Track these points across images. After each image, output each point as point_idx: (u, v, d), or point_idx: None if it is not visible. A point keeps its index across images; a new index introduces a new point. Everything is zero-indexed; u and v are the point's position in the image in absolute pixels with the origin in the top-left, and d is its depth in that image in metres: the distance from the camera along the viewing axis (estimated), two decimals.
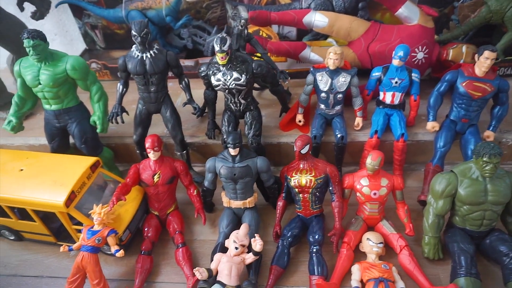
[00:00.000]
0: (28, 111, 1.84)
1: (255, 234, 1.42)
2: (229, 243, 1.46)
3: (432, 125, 1.73)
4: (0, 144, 2.07)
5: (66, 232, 1.61)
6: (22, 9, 2.21)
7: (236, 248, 1.43)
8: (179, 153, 1.86)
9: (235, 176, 1.55)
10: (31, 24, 2.24)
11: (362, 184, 1.55)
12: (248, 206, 1.62)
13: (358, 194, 1.57)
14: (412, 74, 1.69)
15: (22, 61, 1.70)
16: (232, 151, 1.53)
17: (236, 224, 1.63)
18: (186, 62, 2.23)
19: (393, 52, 1.65)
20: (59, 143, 1.86)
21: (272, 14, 1.95)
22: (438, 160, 1.71)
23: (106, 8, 2.28)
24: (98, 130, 1.79)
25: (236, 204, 1.62)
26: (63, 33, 2.53)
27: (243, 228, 1.48)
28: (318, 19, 1.93)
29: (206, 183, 1.65)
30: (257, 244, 1.39)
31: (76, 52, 2.51)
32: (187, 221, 1.76)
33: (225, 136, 1.72)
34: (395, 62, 1.65)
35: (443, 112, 1.77)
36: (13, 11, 2.18)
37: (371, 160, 1.50)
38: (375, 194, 1.53)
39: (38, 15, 2.24)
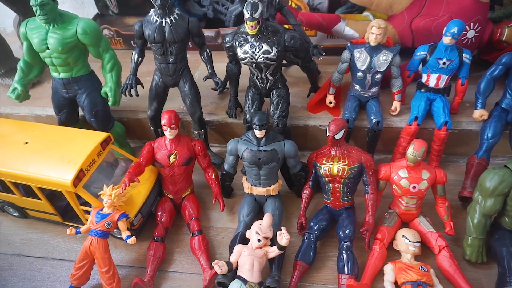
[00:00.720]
0: (35, 79, 1.69)
1: (282, 227, 1.28)
2: (251, 234, 1.32)
3: (480, 113, 1.55)
4: (5, 113, 1.93)
5: (73, 211, 1.49)
6: None
7: (259, 240, 1.29)
8: (196, 132, 1.71)
9: (259, 161, 1.40)
10: None
11: (400, 176, 1.39)
12: (271, 194, 1.48)
13: (394, 186, 1.41)
14: (464, 55, 1.49)
15: (29, 22, 1.53)
16: (258, 133, 1.38)
17: (257, 212, 1.50)
18: (206, 33, 2.05)
19: (444, 28, 1.45)
20: (68, 115, 1.72)
21: None
22: (484, 153, 1.54)
23: None
24: (109, 103, 1.64)
25: (259, 191, 1.47)
26: None
27: (267, 218, 1.34)
28: None
29: (226, 166, 1.50)
30: (283, 237, 1.25)
31: (87, 16, 2.33)
32: (203, 207, 1.63)
33: (248, 116, 1.56)
34: (446, 40, 1.45)
35: (492, 100, 1.58)
36: None
37: (413, 150, 1.33)
38: (414, 187, 1.37)
39: None
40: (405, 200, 1.41)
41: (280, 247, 1.27)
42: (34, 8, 1.43)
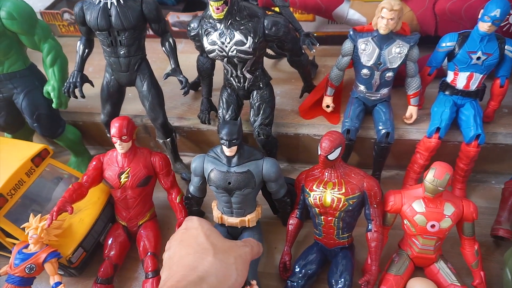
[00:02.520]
0: None
1: (251, 281, 0.95)
2: None
3: None
4: None
5: None
6: None
7: None
8: (161, 141, 1.38)
9: (230, 186, 1.07)
10: None
11: (415, 209, 1.04)
12: (247, 225, 1.15)
13: (406, 222, 1.07)
14: (506, 47, 1.12)
15: None
16: (227, 151, 1.04)
17: None
18: (182, 17, 1.71)
19: (481, 11, 1.08)
20: (7, 118, 1.42)
21: None
22: None
23: None
24: (53, 105, 1.34)
25: (231, 221, 1.15)
26: None
27: None
28: None
29: (191, 189, 1.18)
30: None
31: None
32: (167, 234, 1.31)
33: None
34: (483, 26, 1.08)
35: None
36: None
37: (434, 177, 0.98)
38: (433, 226, 1.03)
39: None
40: (420, 240, 1.06)
41: None
42: None
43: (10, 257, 1.21)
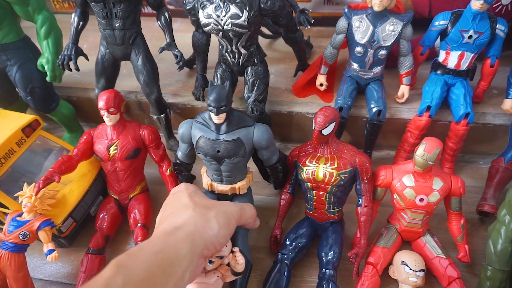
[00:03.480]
0: None
1: (234, 248, 0.96)
2: None
3: (510, 105, 1.21)
4: None
5: None
6: None
7: (210, 262, 0.98)
8: (155, 117, 1.39)
9: (218, 154, 1.02)
10: None
11: (404, 184, 1.06)
12: (238, 193, 1.13)
13: (396, 196, 1.09)
14: (497, 26, 1.14)
15: None
16: (215, 118, 1.00)
17: None
18: None
19: None
20: (1, 91, 1.41)
21: None
22: None
23: None
24: (47, 78, 1.33)
25: (221, 188, 1.13)
26: None
27: None
28: None
29: (179, 154, 1.14)
30: (237, 262, 0.94)
31: None
32: (159, 208, 1.32)
33: None
34: (476, 4, 1.09)
35: None
36: None
37: (424, 151, 1.00)
38: (421, 200, 1.05)
39: None
40: (409, 214, 1.09)
41: (235, 273, 0.97)
42: None
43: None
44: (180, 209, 0.69)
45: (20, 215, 1.07)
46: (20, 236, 1.03)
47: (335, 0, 1.52)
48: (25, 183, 1.09)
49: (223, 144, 1.00)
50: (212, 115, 0.98)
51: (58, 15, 1.40)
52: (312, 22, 1.21)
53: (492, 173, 1.23)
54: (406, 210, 1.09)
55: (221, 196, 1.15)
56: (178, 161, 1.15)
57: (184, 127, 1.05)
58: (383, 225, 1.18)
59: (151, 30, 1.47)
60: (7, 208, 1.13)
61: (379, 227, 1.17)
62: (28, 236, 1.04)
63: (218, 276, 0.99)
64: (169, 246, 0.61)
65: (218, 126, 1.01)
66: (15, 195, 1.09)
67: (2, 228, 1.24)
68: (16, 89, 1.42)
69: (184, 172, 1.22)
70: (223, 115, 0.98)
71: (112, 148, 1.16)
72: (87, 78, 1.51)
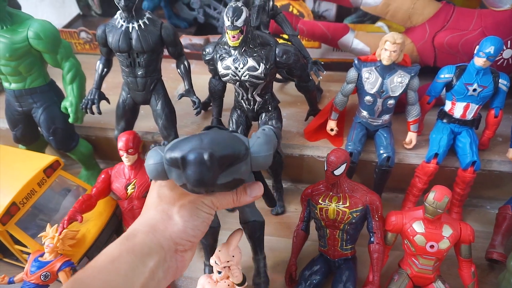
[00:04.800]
0: None
1: (230, 263, 0.96)
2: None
3: None
4: None
5: None
6: None
7: (219, 272, 1.00)
8: None
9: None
10: None
11: (415, 230, 1.09)
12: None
13: (406, 242, 1.12)
14: (500, 81, 1.20)
15: None
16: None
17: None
18: (194, 40, 1.79)
19: (476, 47, 1.16)
20: (24, 131, 1.47)
21: None
22: None
23: None
24: (70, 120, 1.40)
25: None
26: None
27: (232, 239, 0.99)
28: None
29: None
30: (232, 274, 0.97)
31: (68, 17, 2.10)
32: None
33: None
34: (479, 61, 1.16)
35: None
36: None
37: (434, 199, 1.04)
38: (432, 247, 1.08)
39: None
40: (420, 260, 1.11)
41: (238, 284, 1.00)
42: None
43: (15, 264, 1.27)
44: (144, 209, 0.68)
45: (41, 255, 1.11)
46: (41, 277, 1.06)
47: (343, 49, 1.60)
48: (48, 224, 1.13)
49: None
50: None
51: (80, 56, 1.48)
52: (324, 72, 1.28)
53: (500, 221, 1.26)
54: (417, 256, 1.12)
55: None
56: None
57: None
58: (394, 269, 1.20)
59: (167, 71, 1.53)
60: (26, 246, 1.16)
61: (390, 271, 1.20)
62: (49, 277, 1.07)
63: (228, 285, 1.02)
64: (127, 250, 0.60)
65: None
66: (38, 236, 1.13)
67: (17, 264, 1.27)
68: (39, 129, 1.49)
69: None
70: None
71: (130, 187, 1.21)
72: (106, 118, 1.57)
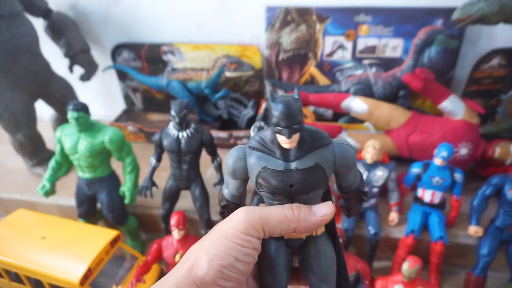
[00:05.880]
0: (62, 176, 1.87)
1: None
2: None
3: (475, 230, 1.61)
4: (31, 201, 2.10)
5: None
6: (71, 71, 2.32)
7: None
8: (204, 231, 1.81)
9: (292, 189, 0.60)
10: (78, 84, 2.35)
11: None
12: (315, 234, 0.65)
13: None
14: (455, 175, 1.60)
15: (64, 128, 1.75)
16: (286, 142, 0.58)
17: (290, 269, 0.66)
18: (219, 134, 2.24)
19: (436, 150, 1.58)
20: (87, 209, 1.86)
21: (311, 96, 1.94)
22: (482, 271, 1.57)
23: (149, 75, 2.36)
24: (126, 201, 1.79)
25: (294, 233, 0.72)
26: (106, 93, 2.63)
27: None
28: (357, 105, 1.91)
29: (226, 192, 0.70)
30: None
31: (115, 111, 2.59)
32: None
33: None
34: (437, 161, 1.57)
35: (489, 213, 1.65)
36: (63, 72, 2.30)
37: (408, 267, 1.39)
38: None
39: (85, 77, 2.35)
40: None
41: None
42: (70, 120, 1.64)
43: None
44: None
45: None
46: None
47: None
48: (114, 286, 1.48)
49: (296, 175, 0.62)
50: (282, 138, 0.60)
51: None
52: None
53: (466, 285, 1.59)
54: None
55: (291, 241, 0.67)
56: (225, 202, 0.75)
57: (235, 156, 0.65)
58: None
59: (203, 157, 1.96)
60: None
61: None
62: None
63: None
64: None
65: (286, 151, 0.62)
66: None
67: None
68: (97, 207, 1.88)
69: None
70: (296, 136, 0.59)
71: (177, 256, 1.56)
72: (149, 199, 1.97)
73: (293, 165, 0.60)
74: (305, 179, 0.61)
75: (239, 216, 0.54)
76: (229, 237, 0.51)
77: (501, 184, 1.55)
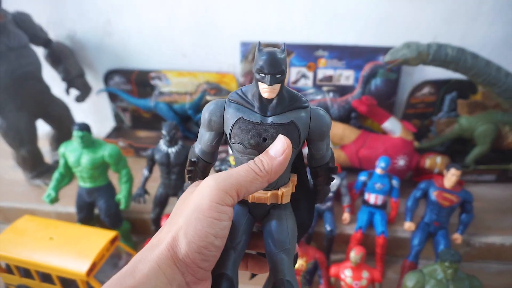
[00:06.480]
0: (65, 186, 2.15)
1: None
2: None
3: (408, 226, 2.01)
4: (31, 208, 2.35)
5: None
6: (68, 93, 2.61)
7: None
8: None
9: (265, 143, 0.62)
10: (73, 105, 2.64)
11: (346, 274, 1.79)
12: (279, 202, 0.67)
13: (342, 283, 1.81)
14: (393, 181, 2.01)
15: (68, 145, 2.04)
16: (266, 90, 0.60)
17: (250, 235, 0.69)
18: None
19: (377, 162, 1.98)
20: (85, 214, 2.14)
21: None
22: (414, 257, 1.96)
23: (138, 98, 2.68)
24: (121, 207, 2.08)
25: (259, 196, 0.66)
26: (97, 112, 2.92)
27: None
28: None
29: (198, 149, 0.71)
30: None
31: (106, 128, 2.88)
32: None
33: None
34: (378, 171, 1.98)
35: (421, 212, 2.06)
36: (60, 93, 2.59)
37: (354, 254, 1.76)
38: (356, 284, 1.77)
39: (80, 98, 2.64)
40: None
41: None
42: (75, 138, 1.94)
43: None
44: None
45: None
46: None
47: None
48: None
49: (270, 129, 0.62)
50: (262, 86, 0.60)
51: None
52: None
53: (402, 269, 1.98)
54: None
55: (253, 208, 0.68)
56: (194, 159, 0.71)
57: (212, 107, 0.64)
58: None
59: None
60: None
61: None
62: None
63: None
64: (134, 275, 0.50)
65: (264, 106, 0.63)
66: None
67: None
68: (95, 212, 2.16)
69: (198, 177, 0.74)
70: (277, 87, 0.60)
71: None
72: (140, 205, 2.27)
73: (270, 119, 0.62)
74: (279, 134, 0.61)
75: (211, 185, 0.51)
76: (206, 212, 0.50)
77: (426, 188, 1.96)
